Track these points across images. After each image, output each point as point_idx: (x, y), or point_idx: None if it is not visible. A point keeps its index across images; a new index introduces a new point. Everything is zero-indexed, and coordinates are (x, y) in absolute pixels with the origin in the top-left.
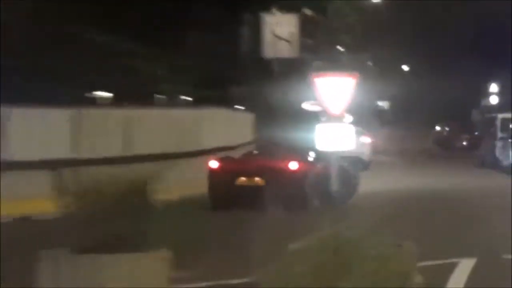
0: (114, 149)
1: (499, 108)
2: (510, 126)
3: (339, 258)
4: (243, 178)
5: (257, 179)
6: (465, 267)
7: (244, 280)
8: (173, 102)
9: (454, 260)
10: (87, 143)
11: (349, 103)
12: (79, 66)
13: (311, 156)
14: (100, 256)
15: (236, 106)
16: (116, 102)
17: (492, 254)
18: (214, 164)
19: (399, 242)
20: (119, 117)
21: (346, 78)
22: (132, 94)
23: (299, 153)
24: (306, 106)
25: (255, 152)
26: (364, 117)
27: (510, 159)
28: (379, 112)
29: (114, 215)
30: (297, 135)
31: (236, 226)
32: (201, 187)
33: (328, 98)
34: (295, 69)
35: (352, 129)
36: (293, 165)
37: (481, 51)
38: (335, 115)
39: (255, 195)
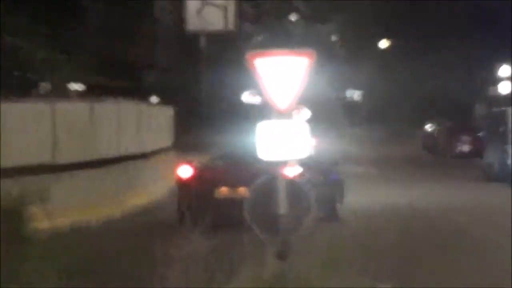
0: None
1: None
2: None
3: None
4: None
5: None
6: None
7: None
8: (61, 93)
9: None
10: None
11: (303, 93)
12: None
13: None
14: None
15: (152, 99)
16: None
17: None
18: (186, 172)
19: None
20: None
21: (297, 57)
22: (6, 82)
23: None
24: (246, 97)
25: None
26: (328, 112)
27: None
28: (349, 106)
29: None
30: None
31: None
32: (95, 212)
33: (273, 86)
34: (231, 48)
35: (307, 128)
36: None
37: (488, 23)
38: (282, 109)
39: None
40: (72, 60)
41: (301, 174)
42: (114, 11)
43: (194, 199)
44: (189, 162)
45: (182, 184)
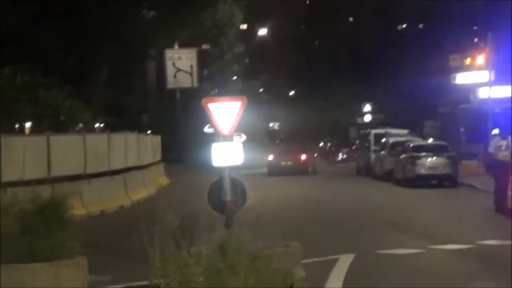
0: (36, 172)
1: (372, 125)
2: (382, 140)
3: (227, 260)
4: None
5: None
6: (344, 262)
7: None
8: (88, 129)
9: (335, 256)
10: (11, 167)
11: (240, 124)
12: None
13: None
14: (24, 266)
15: (148, 131)
16: (37, 130)
17: (368, 250)
18: None
19: (286, 243)
20: (40, 143)
21: (234, 102)
22: (51, 123)
23: None
24: (206, 129)
25: None
26: (257, 136)
27: (383, 168)
28: (271, 132)
29: (34, 228)
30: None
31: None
32: (114, 203)
33: (219, 120)
34: (195, 97)
35: (241, 146)
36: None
37: (357, 76)
38: (225, 135)
39: None
40: (92, 107)
41: None
42: (117, 72)
43: None
44: None
45: None
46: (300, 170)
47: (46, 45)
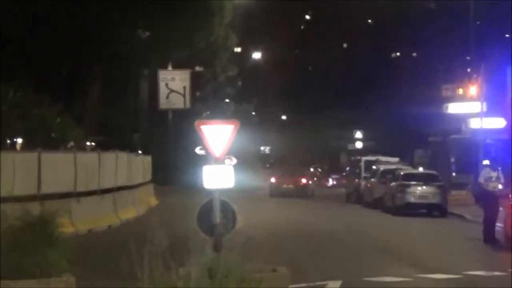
0: (26, 188)
1: (363, 152)
2: (373, 167)
3: (216, 282)
4: None
5: None
6: None
7: None
8: (79, 147)
9: (322, 282)
10: (1, 183)
11: (232, 147)
12: None
13: None
14: (12, 282)
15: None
16: (28, 146)
17: (355, 277)
18: None
19: (274, 267)
20: (31, 159)
21: (226, 125)
22: (43, 140)
23: None
24: (197, 150)
25: None
26: (249, 160)
27: (373, 195)
28: (262, 156)
29: (23, 245)
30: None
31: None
32: (103, 222)
33: (211, 142)
34: (187, 118)
35: (232, 169)
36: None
37: (349, 102)
38: (217, 157)
39: None
40: (83, 125)
41: None
42: (110, 91)
43: None
44: None
45: None
46: (300, 193)
47: (40, 53)
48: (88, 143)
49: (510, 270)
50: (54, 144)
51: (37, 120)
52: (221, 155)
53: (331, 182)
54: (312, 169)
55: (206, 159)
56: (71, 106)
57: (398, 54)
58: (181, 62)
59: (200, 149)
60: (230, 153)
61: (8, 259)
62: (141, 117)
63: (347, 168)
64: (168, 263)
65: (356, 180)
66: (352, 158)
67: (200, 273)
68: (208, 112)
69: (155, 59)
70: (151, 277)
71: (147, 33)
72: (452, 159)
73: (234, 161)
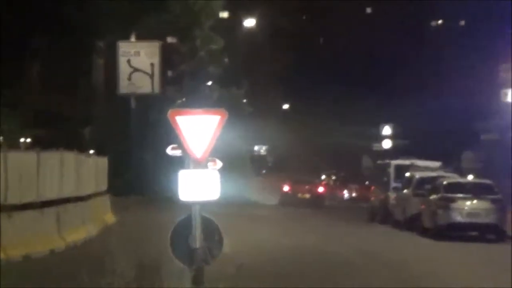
0: None
1: (393, 153)
2: (406, 174)
3: None
4: None
5: None
6: None
7: None
8: (11, 144)
9: None
10: None
11: (217, 146)
12: None
13: None
14: None
15: (91, 151)
16: None
17: None
18: None
19: None
20: None
21: (211, 116)
22: None
23: None
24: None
25: None
26: (238, 163)
27: (406, 213)
28: (256, 159)
29: None
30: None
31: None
32: (42, 245)
33: (190, 139)
34: (156, 107)
35: (218, 175)
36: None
37: (373, 89)
38: (198, 159)
39: None
40: (19, 116)
41: None
42: (53, 69)
43: None
44: None
45: None
46: (317, 204)
47: None
48: (23, 139)
49: None
50: None
51: None
52: (203, 156)
53: (347, 194)
54: (324, 176)
55: (182, 161)
56: (2, 89)
57: (439, 22)
58: (149, 31)
59: (174, 148)
60: (213, 154)
61: None
62: (94, 105)
63: (371, 176)
64: None
65: (383, 192)
66: (378, 162)
67: None
68: (184, 99)
69: (113, 27)
70: None
71: None
72: None
73: (219, 164)
